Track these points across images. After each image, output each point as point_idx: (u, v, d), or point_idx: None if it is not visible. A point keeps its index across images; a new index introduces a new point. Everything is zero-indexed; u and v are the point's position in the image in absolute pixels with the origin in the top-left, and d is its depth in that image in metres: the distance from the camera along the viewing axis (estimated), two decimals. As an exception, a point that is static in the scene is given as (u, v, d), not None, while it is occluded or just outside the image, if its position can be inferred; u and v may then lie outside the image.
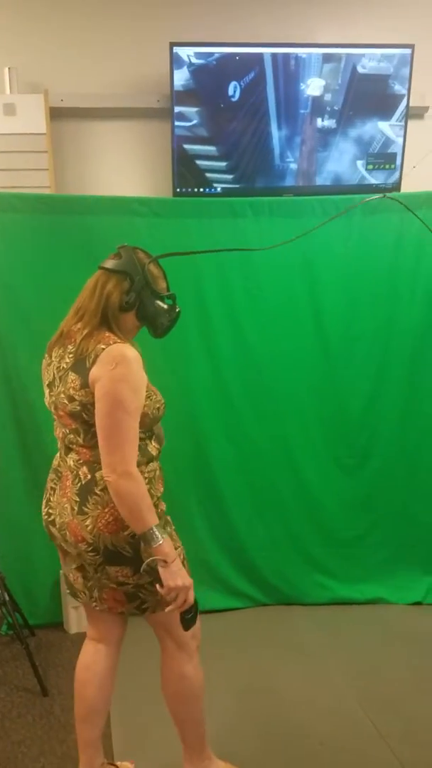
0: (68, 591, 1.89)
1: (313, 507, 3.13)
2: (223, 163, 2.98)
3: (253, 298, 2.98)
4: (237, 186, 3.03)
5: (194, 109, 2.90)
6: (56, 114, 3.00)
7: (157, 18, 3.04)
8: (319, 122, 2.94)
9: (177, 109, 2.89)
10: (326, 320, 3.04)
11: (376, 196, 2.27)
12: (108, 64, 3.05)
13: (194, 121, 2.90)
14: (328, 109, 2.93)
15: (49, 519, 1.78)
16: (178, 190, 2.98)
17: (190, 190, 2.99)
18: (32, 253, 2.82)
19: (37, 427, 2.82)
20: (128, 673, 1.91)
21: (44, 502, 1.82)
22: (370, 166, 3.04)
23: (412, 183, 3.03)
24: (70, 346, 1.72)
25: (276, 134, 2.95)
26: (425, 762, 2.08)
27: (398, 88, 2.94)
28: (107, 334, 1.68)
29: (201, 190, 2.99)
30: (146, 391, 1.67)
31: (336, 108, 2.94)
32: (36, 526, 2.95)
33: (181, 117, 2.90)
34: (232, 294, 2.96)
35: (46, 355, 1.82)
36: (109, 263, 1.77)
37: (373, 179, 3.06)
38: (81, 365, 1.65)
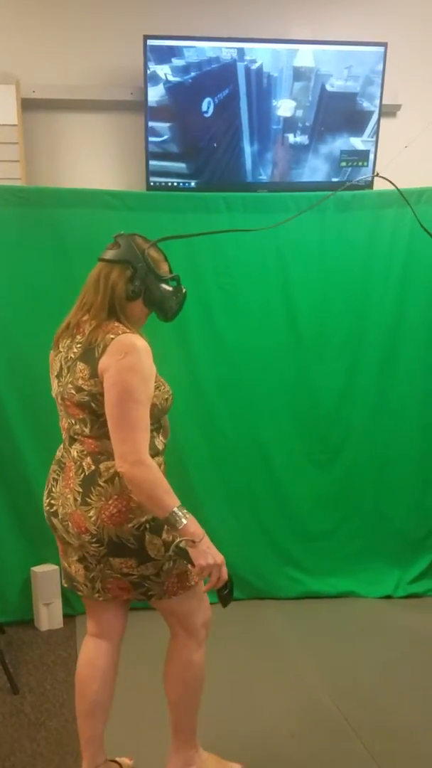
0: (66, 585, 1.86)
1: (285, 502, 3.15)
2: (193, 182, 2.98)
3: (226, 293, 2.98)
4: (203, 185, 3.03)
5: (166, 125, 2.89)
6: (28, 105, 2.95)
7: (130, 10, 3.01)
8: (291, 138, 2.96)
9: (150, 123, 2.88)
10: (299, 316, 3.06)
11: (369, 176, 2.26)
12: (81, 56, 3.01)
13: (165, 137, 2.90)
14: (300, 125, 2.96)
15: (51, 510, 1.76)
16: (151, 183, 2.96)
17: (163, 183, 2.97)
18: (1, 245, 2.79)
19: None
20: (127, 668, 1.90)
21: (46, 492, 1.81)
22: (343, 164, 3.05)
23: (384, 181, 3.05)
24: (78, 337, 1.71)
25: (248, 150, 2.96)
26: (396, 754, 2.10)
27: (367, 104, 2.98)
28: (116, 324, 1.68)
29: (175, 183, 2.97)
30: (155, 382, 1.67)
31: (308, 124, 2.97)
32: (5, 523, 2.94)
33: (154, 132, 2.89)
34: (205, 289, 2.96)
35: (53, 347, 1.81)
36: (109, 254, 1.74)
37: (341, 174, 3.08)
38: (90, 355, 1.64)
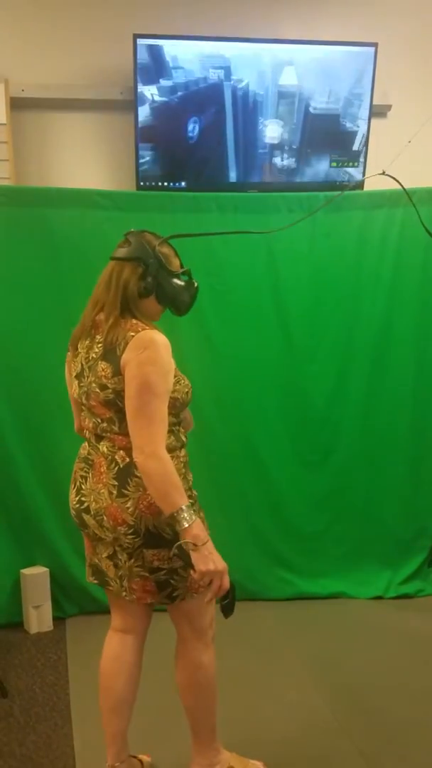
0: (95, 581, 1.85)
1: (275, 503, 3.14)
2: (183, 182, 2.97)
3: (217, 294, 2.97)
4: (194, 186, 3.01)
5: (150, 145, 2.89)
6: (17, 104, 2.93)
7: (120, 9, 2.99)
8: (279, 162, 2.97)
9: (139, 144, 2.89)
10: (290, 317, 3.06)
11: (375, 174, 2.27)
12: (70, 55, 3.00)
13: (147, 158, 2.89)
14: (286, 147, 2.96)
15: (82, 507, 1.76)
16: (141, 183, 2.95)
17: (154, 183, 2.96)
18: (-9, 245, 2.77)
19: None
20: (144, 666, 1.91)
21: (74, 491, 1.80)
22: (334, 164, 3.05)
23: (376, 181, 3.05)
24: (98, 336, 1.72)
25: (234, 173, 2.97)
26: (386, 754, 2.10)
27: (350, 125, 2.99)
28: (134, 321, 1.68)
29: (165, 183, 2.96)
30: (175, 376, 1.69)
31: (294, 147, 2.97)
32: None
33: (140, 154, 2.90)
34: (196, 288, 2.94)
35: (70, 349, 1.81)
36: (120, 252, 1.74)
37: (333, 173, 3.08)
38: (112, 354, 1.65)
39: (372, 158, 3.03)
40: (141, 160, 2.89)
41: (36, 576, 2.89)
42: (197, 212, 2.92)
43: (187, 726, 1.89)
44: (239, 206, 2.95)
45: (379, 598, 3.16)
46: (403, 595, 3.17)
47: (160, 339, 1.64)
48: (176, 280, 1.77)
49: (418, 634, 2.84)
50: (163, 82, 2.82)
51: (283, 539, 3.16)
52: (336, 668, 2.58)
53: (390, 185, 2.28)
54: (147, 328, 1.66)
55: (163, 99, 2.83)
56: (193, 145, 2.90)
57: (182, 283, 1.78)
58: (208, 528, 1.74)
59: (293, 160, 2.97)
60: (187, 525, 1.55)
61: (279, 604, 3.11)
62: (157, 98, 2.83)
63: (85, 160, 3.07)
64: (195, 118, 2.85)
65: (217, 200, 2.93)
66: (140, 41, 2.79)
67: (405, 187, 2.21)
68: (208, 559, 1.56)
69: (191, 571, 1.59)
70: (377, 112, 3.12)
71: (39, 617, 2.89)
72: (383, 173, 2.15)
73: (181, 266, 1.81)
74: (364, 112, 2.99)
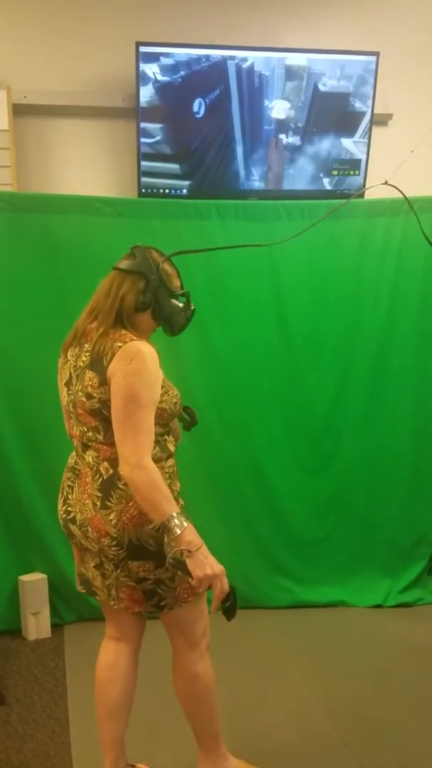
0: (83, 590, 1.86)
1: (275, 509, 3.13)
2: (186, 182, 2.96)
3: (217, 300, 2.98)
4: (195, 192, 3.01)
5: (158, 126, 2.87)
6: (19, 111, 2.94)
7: (123, 17, 3.01)
8: (284, 139, 2.95)
9: (141, 124, 2.87)
10: (290, 323, 3.06)
11: (377, 184, 2.28)
12: (73, 62, 3.01)
13: (157, 138, 2.88)
14: (292, 126, 2.95)
15: (68, 517, 1.77)
16: (143, 190, 2.96)
17: (155, 191, 2.96)
18: (-8, 250, 2.78)
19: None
20: (140, 673, 1.91)
21: (61, 501, 1.82)
22: (335, 172, 3.06)
23: (377, 189, 3.06)
24: (86, 345, 1.73)
25: (240, 152, 2.95)
26: (386, 764, 2.09)
27: (359, 105, 2.98)
28: (123, 332, 1.69)
29: (167, 191, 2.97)
30: (163, 386, 1.70)
31: (300, 125, 2.96)
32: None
33: (145, 133, 2.88)
34: (196, 296, 2.93)
35: (62, 355, 1.83)
36: (124, 264, 1.76)
37: (330, 187, 3.08)
38: (98, 363, 1.66)
39: (373, 167, 3.04)
40: (149, 140, 2.86)
41: (34, 582, 2.88)
42: (198, 219, 2.92)
43: (187, 733, 1.89)
44: (240, 213, 2.96)
45: (379, 606, 3.15)
46: (403, 603, 3.15)
47: (146, 350, 1.64)
48: (174, 301, 1.78)
49: (417, 643, 2.83)
50: (164, 60, 2.79)
51: (283, 546, 3.15)
52: (335, 677, 2.57)
53: (391, 194, 2.29)
54: (134, 338, 1.67)
55: (166, 78, 2.80)
56: (199, 123, 2.88)
57: (180, 305, 1.80)
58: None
59: (298, 137, 2.95)
60: (179, 532, 1.54)
61: (278, 612, 3.10)
62: (159, 77, 2.80)
63: (87, 167, 3.07)
64: (200, 98, 2.83)
65: (218, 207, 2.94)
66: (142, 49, 2.80)
67: (405, 195, 2.22)
68: (205, 564, 1.55)
69: (189, 579, 1.59)
70: (378, 121, 3.13)
71: (37, 624, 2.88)
72: (386, 183, 2.16)
73: (182, 287, 1.83)
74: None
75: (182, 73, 2.82)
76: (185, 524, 1.56)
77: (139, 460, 1.56)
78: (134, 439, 1.58)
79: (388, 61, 3.01)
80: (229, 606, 1.60)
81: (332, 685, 2.51)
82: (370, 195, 3.07)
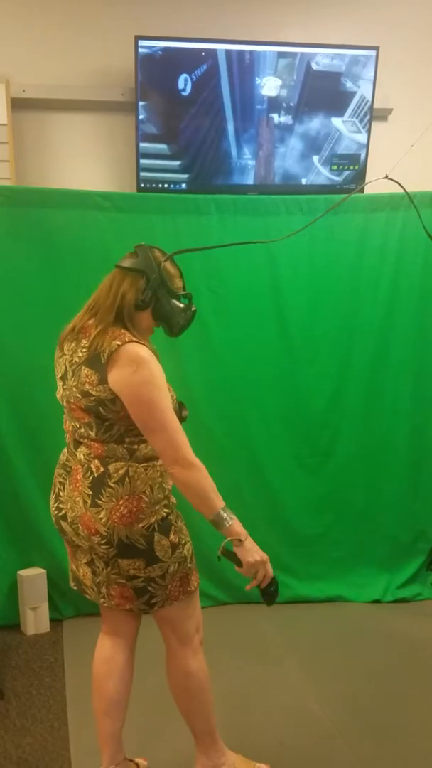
0: (75, 587, 1.88)
1: (274, 505, 3.13)
2: (176, 163, 2.91)
3: (216, 295, 2.97)
4: (194, 186, 2.98)
5: (142, 104, 2.81)
6: (18, 105, 2.93)
7: (122, 11, 3.00)
8: (276, 118, 2.91)
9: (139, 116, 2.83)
10: (289, 319, 3.05)
11: (378, 178, 2.27)
12: (72, 56, 3.00)
13: (141, 116, 2.82)
14: (284, 105, 2.91)
15: (60, 514, 1.78)
16: (142, 185, 2.95)
17: (154, 185, 2.95)
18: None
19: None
20: (136, 669, 1.92)
21: (53, 497, 1.82)
22: (334, 167, 3.05)
23: (377, 184, 3.06)
24: (84, 341, 1.72)
25: (232, 131, 2.90)
26: (384, 759, 2.09)
27: (350, 85, 2.95)
28: (122, 330, 1.69)
29: (166, 186, 2.96)
30: None
31: (292, 104, 2.92)
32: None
33: (142, 124, 2.84)
34: (195, 292, 2.92)
35: (58, 348, 1.83)
36: (126, 262, 1.76)
37: (333, 176, 3.05)
38: (96, 360, 1.66)
39: (373, 161, 3.03)
40: (139, 117, 2.81)
41: (33, 577, 2.88)
42: (197, 214, 2.91)
43: (185, 728, 1.90)
44: (239, 208, 2.95)
45: (377, 601, 3.15)
46: (401, 599, 3.16)
47: (145, 353, 1.64)
48: (175, 301, 1.78)
49: (415, 639, 2.83)
50: (146, 43, 2.72)
51: (281, 542, 3.15)
52: (333, 672, 2.57)
53: (390, 189, 2.28)
54: (133, 339, 1.66)
55: (145, 51, 2.72)
56: (186, 99, 2.82)
57: (181, 305, 1.79)
58: (189, 536, 1.80)
59: (290, 117, 2.92)
60: (229, 525, 1.63)
61: (276, 608, 3.04)
62: (139, 51, 2.73)
63: (86, 162, 3.06)
64: (185, 74, 2.77)
65: (216, 202, 2.93)
66: (141, 43, 2.78)
67: (402, 192, 2.22)
68: (253, 551, 1.65)
69: (236, 568, 1.66)
70: (378, 115, 3.12)
71: (36, 619, 2.89)
72: (386, 177, 2.15)
73: (184, 288, 1.82)
74: (369, 72, 2.94)
75: (162, 44, 2.72)
76: (233, 516, 1.64)
77: (189, 459, 1.63)
78: (176, 442, 1.62)
79: (388, 55, 3.00)
80: (274, 591, 1.70)
81: (330, 680, 2.52)
82: (369, 190, 3.06)
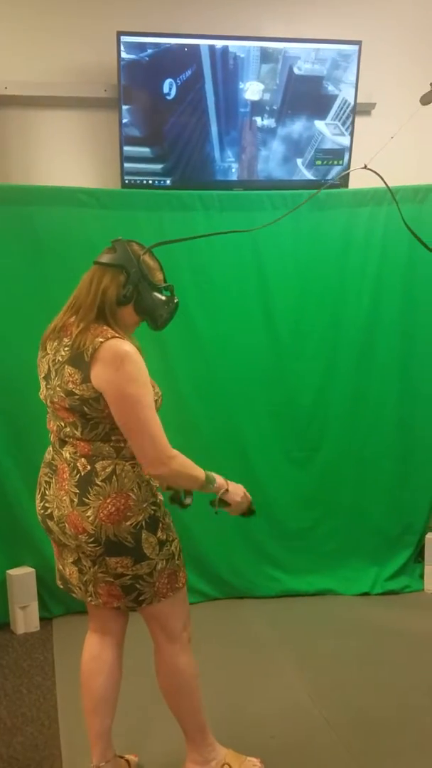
0: (61, 586, 1.87)
1: (263, 500, 3.12)
2: (159, 166, 2.91)
3: (203, 292, 2.97)
4: (178, 183, 2.97)
5: (126, 107, 2.81)
6: (0, 102, 2.91)
7: (104, 7, 2.97)
8: (259, 121, 2.93)
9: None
10: (276, 315, 3.06)
11: (356, 168, 2.27)
12: (54, 52, 2.97)
13: (125, 120, 2.82)
14: (267, 108, 2.93)
15: (46, 513, 1.77)
16: (126, 181, 2.94)
17: (138, 182, 2.94)
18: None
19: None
20: (126, 666, 1.92)
21: (39, 496, 1.81)
22: (318, 162, 3.05)
23: (361, 179, 3.07)
24: (65, 339, 1.71)
25: (215, 133, 2.91)
26: (375, 751, 2.11)
27: (332, 88, 2.97)
28: (105, 327, 1.68)
29: (150, 182, 2.95)
30: None
31: (275, 107, 2.94)
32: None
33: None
34: (181, 288, 2.92)
35: (41, 348, 1.81)
36: (104, 257, 1.75)
37: (317, 177, 3.06)
38: (79, 359, 1.64)
39: (357, 156, 3.03)
40: (123, 120, 2.82)
41: (22, 576, 2.87)
42: (182, 210, 2.91)
43: (176, 724, 1.90)
44: (224, 204, 2.95)
45: (366, 594, 3.17)
46: (389, 591, 3.18)
47: (130, 349, 1.63)
48: (157, 294, 1.77)
49: (404, 630, 2.85)
50: (129, 38, 2.72)
51: (270, 536, 3.16)
52: (324, 665, 2.59)
53: (374, 183, 2.29)
54: (116, 335, 1.65)
55: (132, 57, 2.73)
56: (171, 103, 2.83)
57: (163, 298, 1.78)
58: (176, 532, 1.81)
59: (273, 120, 2.93)
60: (216, 484, 1.76)
61: (266, 602, 3.11)
62: (125, 55, 2.73)
63: (69, 158, 3.05)
64: (170, 79, 2.77)
65: (201, 198, 2.93)
66: (124, 39, 2.77)
67: (389, 185, 2.22)
68: (237, 491, 1.82)
69: (228, 512, 1.85)
70: (361, 110, 3.12)
71: (25, 618, 2.88)
72: (365, 167, 2.15)
73: (165, 281, 1.81)
74: (351, 76, 2.97)
75: (149, 50, 2.73)
76: (214, 475, 1.77)
77: (169, 454, 1.65)
78: (154, 440, 1.63)
79: (370, 50, 3.00)
80: (252, 510, 1.92)
81: (320, 672, 2.53)
82: (354, 184, 3.08)
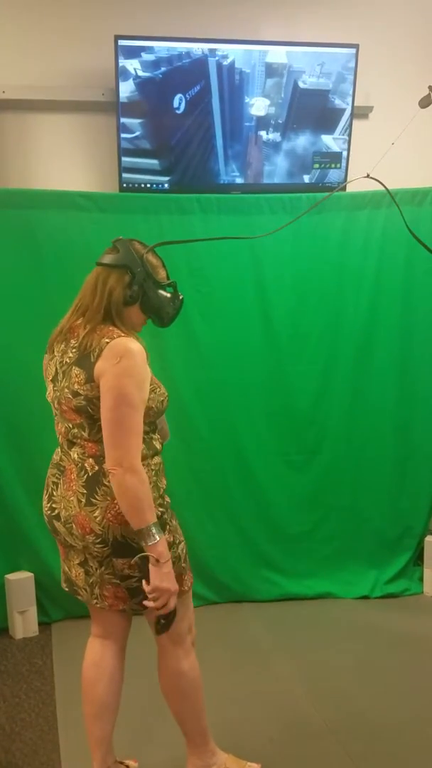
0: (66, 588, 1.86)
1: (261, 504, 3.14)
2: (165, 183, 2.94)
3: (201, 295, 2.97)
4: (176, 187, 2.98)
5: (138, 121, 2.85)
6: (-2, 105, 2.91)
7: (102, 10, 2.98)
8: (264, 135, 2.95)
9: (122, 120, 2.84)
10: (274, 318, 3.06)
11: (358, 177, 2.27)
12: (52, 56, 2.98)
13: (137, 133, 2.86)
14: (272, 122, 2.95)
15: (53, 513, 1.76)
16: (124, 185, 2.94)
17: (136, 185, 2.95)
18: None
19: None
20: (127, 671, 1.91)
21: (46, 497, 1.81)
22: (316, 165, 3.05)
23: (358, 182, 3.07)
24: (73, 341, 1.71)
25: (221, 147, 2.94)
26: (374, 755, 2.10)
27: (338, 102, 2.98)
28: (111, 328, 1.68)
29: (148, 185, 2.95)
30: (150, 384, 1.69)
31: (280, 121, 2.95)
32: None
33: (125, 129, 2.85)
34: (179, 291, 2.94)
35: (48, 351, 1.81)
36: (107, 258, 1.74)
37: (311, 181, 3.07)
38: (86, 360, 1.65)
39: (354, 159, 3.04)
40: (129, 135, 2.84)
41: (21, 581, 2.86)
42: (180, 214, 2.91)
43: (176, 729, 1.89)
44: (222, 207, 2.95)
45: (366, 597, 3.16)
46: (389, 594, 3.17)
47: (135, 347, 1.63)
48: (162, 291, 1.77)
49: (404, 634, 2.85)
50: (145, 56, 2.78)
51: (269, 540, 3.16)
52: (323, 669, 2.58)
53: (372, 187, 2.29)
54: (123, 335, 1.65)
55: (147, 74, 2.78)
56: (179, 119, 2.86)
57: (168, 295, 1.78)
58: (183, 535, 1.78)
59: (278, 134, 2.94)
60: (153, 542, 1.58)
61: (265, 606, 3.10)
62: (140, 73, 2.78)
63: (67, 162, 3.05)
64: (180, 94, 2.82)
65: (199, 201, 2.93)
66: (122, 43, 2.78)
67: (383, 190, 2.23)
68: (165, 577, 1.60)
69: (143, 582, 1.62)
70: (358, 113, 3.13)
71: (24, 622, 2.87)
72: (368, 176, 2.16)
73: (168, 278, 1.81)
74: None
75: (163, 69, 2.80)
76: (161, 535, 1.60)
77: (131, 462, 1.57)
78: (127, 441, 1.58)
79: (367, 53, 3.00)
80: (165, 624, 1.67)
81: (319, 676, 2.53)
82: (351, 187, 3.07)
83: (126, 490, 1.57)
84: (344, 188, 3.01)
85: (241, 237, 2.63)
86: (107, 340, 1.63)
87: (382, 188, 2.22)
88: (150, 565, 1.59)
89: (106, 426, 1.60)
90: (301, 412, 3.13)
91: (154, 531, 1.58)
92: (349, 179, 2.97)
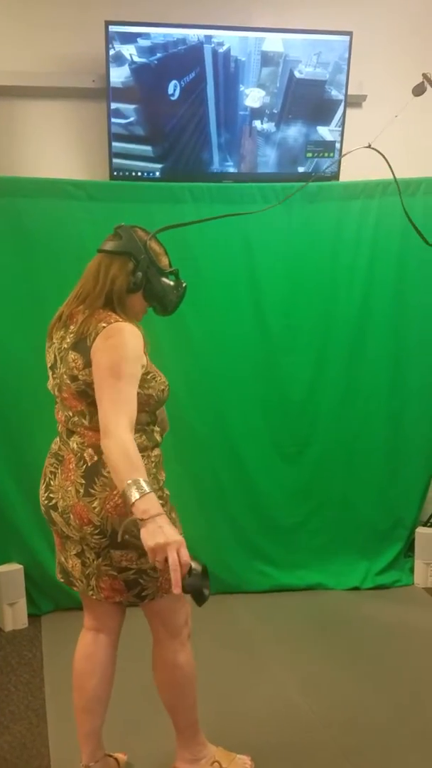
0: (61, 579, 1.84)
1: (253, 495, 3.13)
2: (157, 171, 2.90)
3: (192, 285, 2.91)
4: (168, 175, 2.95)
5: (132, 107, 2.81)
6: (-14, 91, 2.87)
7: (92, -5, 2.94)
8: (258, 125, 2.92)
9: (113, 105, 2.80)
10: (266, 309, 3.04)
11: (359, 147, 2.24)
12: (41, 42, 2.93)
13: (131, 118, 2.82)
14: (267, 112, 2.91)
15: (50, 503, 1.73)
16: (114, 173, 2.90)
17: (127, 173, 2.91)
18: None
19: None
20: (118, 664, 1.90)
21: (43, 487, 1.78)
22: (309, 154, 3.03)
23: (351, 173, 3.04)
24: (71, 327, 1.70)
25: (214, 135, 2.90)
26: (366, 747, 2.10)
27: (335, 93, 2.94)
28: (110, 313, 1.66)
29: (139, 174, 2.92)
30: (150, 373, 1.67)
31: (275, 111, 2.92)
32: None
33: (118, 114, 2.81)
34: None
35: (47, 339, 1.79)
36: (109, 245, 1.72)
37: (305, 170, 3.04)
38: (82, 344, 1.63)
39: (348, 148, 3.00)
40: (123, 120, 2.80)
41: (10, 573, 2.85)
42: (172, 203, 2.88)
43: (165, 722, 1.88)
44: (214, 196, 2.92)
45: (357, 588, 3.17)
46: (380, 585, 3.18)
47: (127, 327, 1.62)
48: (165, 279, 1.75)
49: (395, 625, 2.85)
50: (142, 42, 2.74)
51: (261, 531, 3.15)
52: (314, 661, 2.58)
53: (365, 176, 2.27)
54: (120, 319, 1.64)
55: (143, 60, 2.75)
56: (174, 106, 2.83)
57: (171, 283, 1.77)
58: (182, 528, 1.74)
59: (273, 124, 2.91)
60: (134, 499, 1.39)
61: (256, 597, 3.10)
62: (136, 58, 2.75)
63: (57, 149, 3.00)
64: (175, 80, 2.78)
65: (191, 190, 2.90)
66: (112, 28, 2.73)
67: (377, 179, 2.20)
68: (157, 533, 1.37)
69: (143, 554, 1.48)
70: (352, 102, 3.10)
71: (13, 615, 2.85)
72: (369, 146, 2.12)
73: (170, 265, 1.80)
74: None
75: (159, 55, 2.77)
76: (144, 491, 1.40)
77: (115, 429, 1.48)
78: (113, 410, 1.51)
79: (361, 41, 2.97)
80: (190, 583, 1.38)
81: (311, 668, 2.53)
82: (345, 177, 3.06)
83: (108, 456, 1.48)
84: (337, 173, 2.97)
85: (236, 214, 2.59)
86: (104, 325, 1.61)
87: (375, 179, 2.20)
88: (141, 528, 1.41)
89: (98, 399, 1.56)
90: (293, 404, 3.12)
91: (133, 489, 1.41)
92: (344, 152, 2.93)
